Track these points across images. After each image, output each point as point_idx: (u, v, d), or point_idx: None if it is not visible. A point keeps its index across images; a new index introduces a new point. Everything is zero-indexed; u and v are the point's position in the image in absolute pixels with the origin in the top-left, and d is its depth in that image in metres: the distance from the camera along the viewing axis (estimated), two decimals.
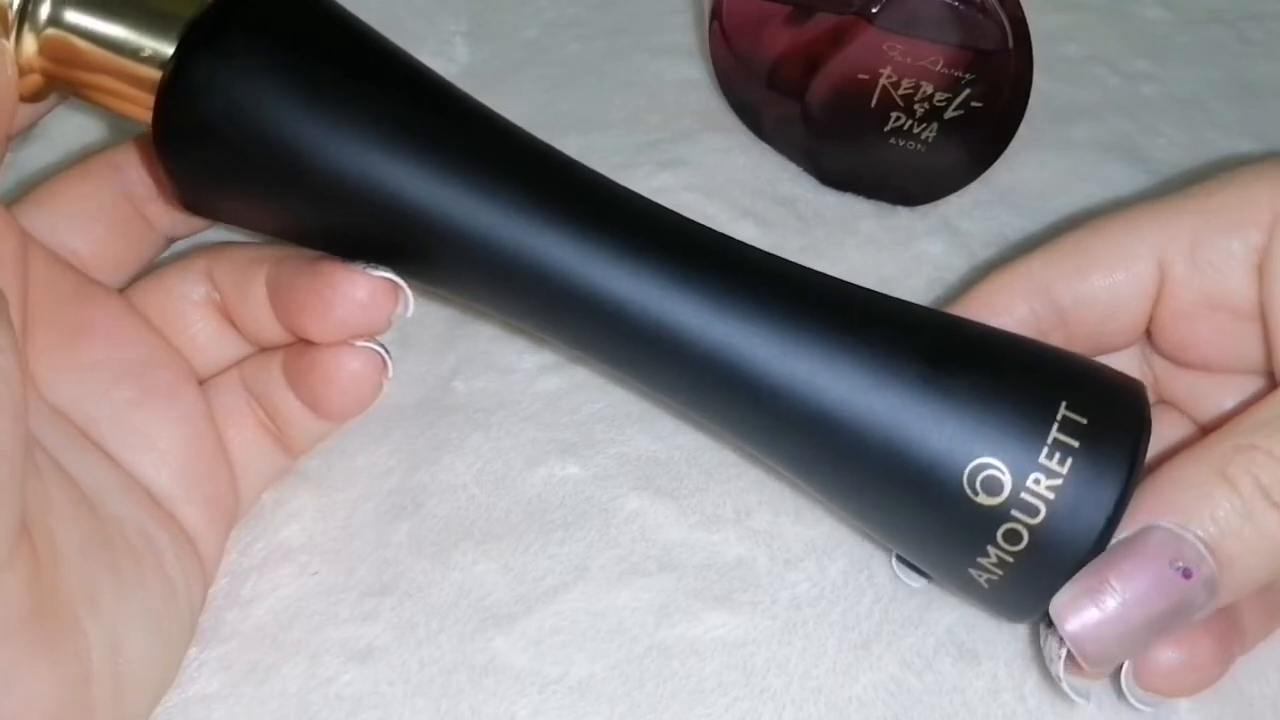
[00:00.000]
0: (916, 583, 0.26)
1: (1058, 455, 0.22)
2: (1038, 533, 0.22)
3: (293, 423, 0.26)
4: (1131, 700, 0.23)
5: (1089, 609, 0.21)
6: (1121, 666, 0.23)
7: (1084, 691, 0.23)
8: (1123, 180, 0.36)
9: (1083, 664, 0.22)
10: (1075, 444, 0.22)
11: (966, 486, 0.22)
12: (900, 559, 0.26)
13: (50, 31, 0.24)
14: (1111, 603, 0.21)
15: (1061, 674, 0.23)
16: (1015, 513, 0.22)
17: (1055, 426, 0.22)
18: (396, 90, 0.24)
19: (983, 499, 0.22)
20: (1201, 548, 0.21)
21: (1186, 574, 0.21)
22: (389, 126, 0.23)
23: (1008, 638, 0.26)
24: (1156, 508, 0.21)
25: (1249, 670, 0.25)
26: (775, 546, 0.27)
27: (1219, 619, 0.23)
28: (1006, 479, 0.22)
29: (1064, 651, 0.22)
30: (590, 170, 0.25)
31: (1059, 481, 0.22)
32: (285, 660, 0.25)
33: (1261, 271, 0.23)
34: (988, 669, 0.26)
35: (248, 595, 0.26)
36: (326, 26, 0.24)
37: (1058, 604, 0.22)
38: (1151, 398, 0.27)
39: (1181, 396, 0.26)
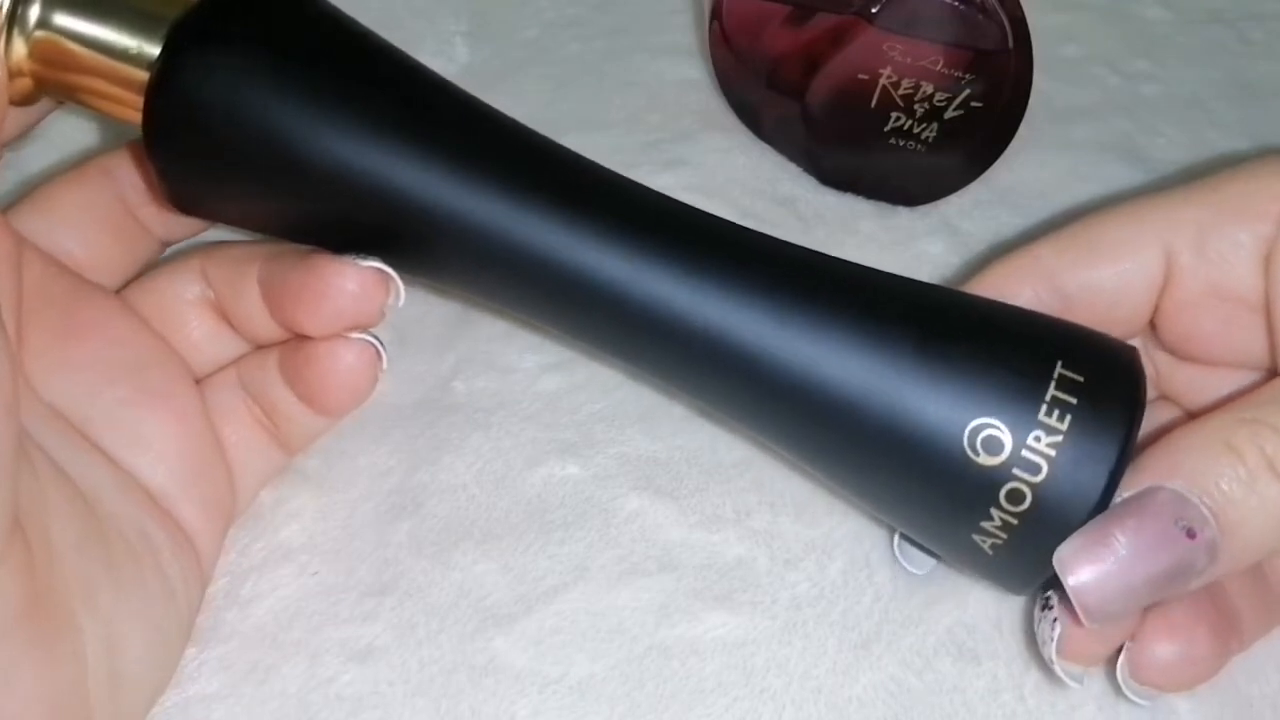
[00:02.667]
0: (920, 569, 0.26)
1: (1056, 412, 0.22)
2: (1040, 491, 0.22)
3: (289, 419, 0.26)
4: (1128, 694, 0.23)
5: (1093, 561, 0.21)
6: (1118, 661, 0.23)
7: (1077, 676, 0.23)
8: (1123, 180, 0.36)
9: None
10: (1073, 401, 0.22)
11: (967, 448, 0.22)
12: (902, 541, 0.26)
13: (39, 34, 0.24)
14: (1115, 556, 0.21)
15: (1054, 656, 0.23)
16: (1017, 471, 0.22)
17: (1052, 385, 0.22)
18: (383, 81, 0.24)
19: (984, 459, 0.22)
20: (1206, 511, 0.21)
21: (1190, 534, 0.21)
22: (376, 117, 0.24)
23: (1008, 638, 0.26)
24: (1162, 471, 0.22)
25: (1248, 670, 0.25)
26: (775, 546, 0.27)
27: (1216, 614, 0.23)
28: (1007, 438, 0.22)
29: (1056, 634, 0.23)
30: (581, 156, 0.25)
31: (1059, 438, 0.22)
32: (285, 660, 0.25)
33: (1268, 263, 0.24)
34: (988, 669, 0.26)
35: (247, 595, 0.26)
36: (311, 21, 0.24)
37: (1062, 555, 0.22)
38: (1153, 393, 0.27)
39: (1182, 391, 0.26)
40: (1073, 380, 0.22)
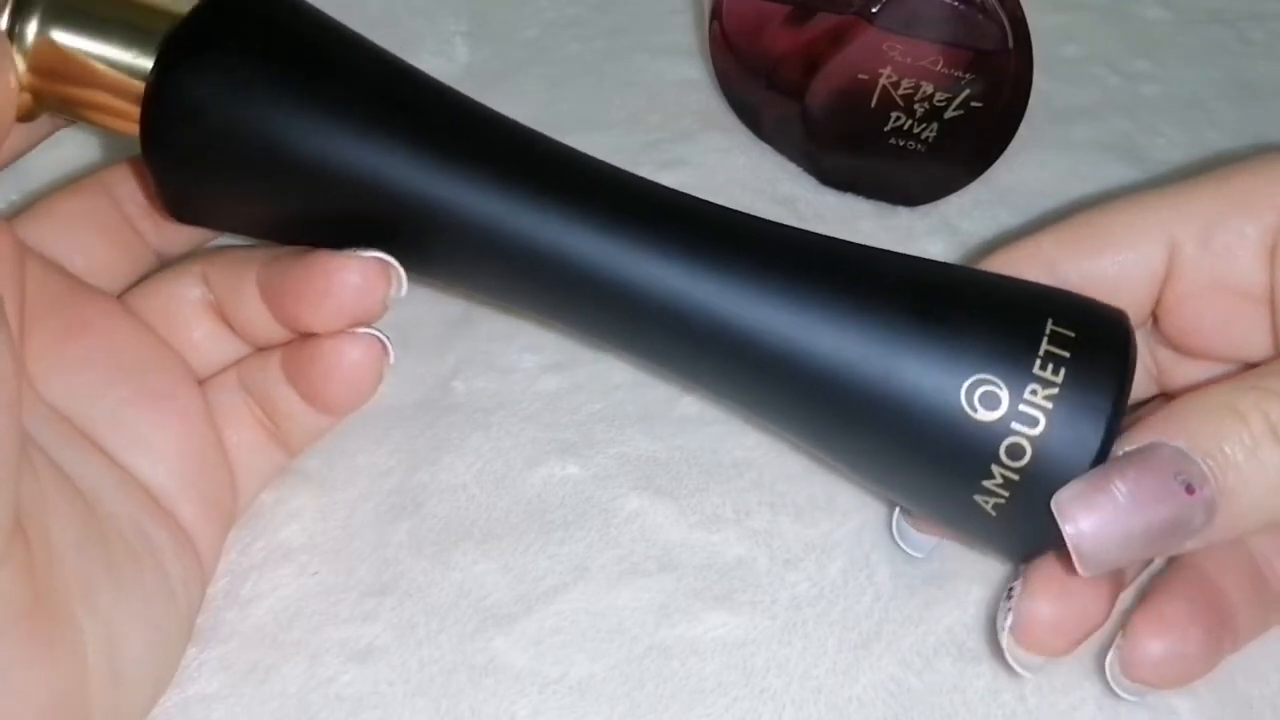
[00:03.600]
0: (918, 551, 0.26)
1: (1051, 366, 0.22)
2: (1040, 444, 0.22)
3: (291, 419, 0.26)
4: (1117, 690, 0.23)
5: (1091, 508, 0.21)
6: (1108, 657, 0.23)
7: (1035, 666, 0.23)
8: (1122, 180, 0.36)
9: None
10: (1066, 354, 0.22)
11: (965, 404, 0.22)
12: (901, 523, 0.26)
13: (38, 49, 0.24)
14: (1114, 503, 0.21)
15: (1006, 644, 0.23)
16: (1016, 425, 0.22)
17: (1045, 340, 0.23)
18: (377, 83, 0.25)
19: (982, 415, 0.22)
20: (1206, 470, 0.21)
21: (1189, 490, 0.21)
22: (373, 118, 0.24)
23: None
24: (1165, 431, 0.22)
25: (1248, 670, 0.25)
26: (775, 546, 0.27)
27: (1210, 611, 0.23)
28: (1003, 393, 0.22)
29: (1009, 622, 0.23)
30: (576, 149, 0.25)
31: (1055, 390, 0.22)
32: (285, 660, 0.25)
33: (1273, 255, 0.24)
34: (988, 669, 0.26)
35: (248, 595, 0.26)
36: (303, 28, 0.25)
37: (1060, 500, 0.22)
38: (1153, 389, 0.27)
39: (1182, 388, 0.26)
40: (1064, 335, 0.23)
